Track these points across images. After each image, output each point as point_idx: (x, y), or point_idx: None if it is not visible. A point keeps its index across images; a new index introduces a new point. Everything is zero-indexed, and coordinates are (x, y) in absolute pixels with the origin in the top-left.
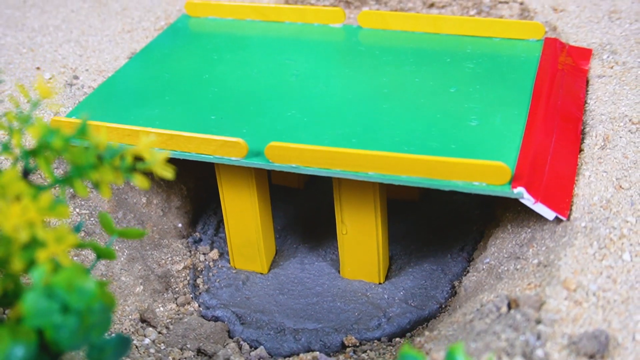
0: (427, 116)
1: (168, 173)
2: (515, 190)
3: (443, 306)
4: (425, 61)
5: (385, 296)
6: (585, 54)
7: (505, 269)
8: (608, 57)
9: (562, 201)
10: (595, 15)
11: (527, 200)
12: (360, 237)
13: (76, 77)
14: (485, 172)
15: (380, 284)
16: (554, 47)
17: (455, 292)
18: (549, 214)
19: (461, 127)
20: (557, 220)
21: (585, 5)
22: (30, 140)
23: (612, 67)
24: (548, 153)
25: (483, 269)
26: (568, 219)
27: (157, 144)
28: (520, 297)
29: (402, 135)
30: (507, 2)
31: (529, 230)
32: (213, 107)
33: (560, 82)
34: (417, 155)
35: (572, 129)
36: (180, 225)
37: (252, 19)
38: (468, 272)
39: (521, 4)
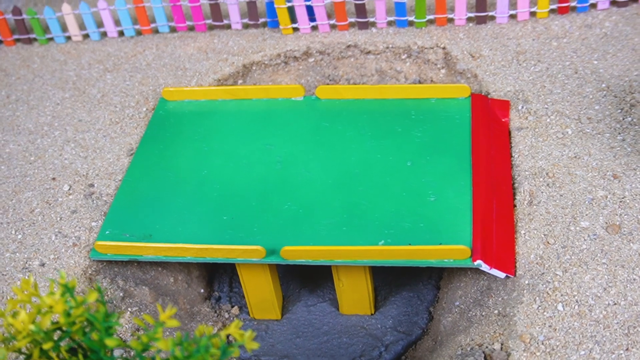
0: (396, 195)
1: (255, 345)
2: (476, 263)
3: (424, 330)
4: (382, 133)
5: (379, 326)
6: (504, 106)
7: (473, 314)
8: (522, 107)
9: (509, 261)
10: (505, 59)
11: (485, 267)
12: (354, 286)
13: (91, 185)
14: (451, 253)
15: (372, 315)
16: (480, 105)
17: (432, 317)
18: (500, 274)
19: (423, 204)
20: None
21: (497, 48)
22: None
23: (527, 118)
24: (492, 219)
25: (456, 312)
26: (515, 275)
27: (191, 253)
28: (493, 352)
29: (380, 218)
30: (432, 48)
31: (485, 278)
32: (221, 207)
33: (490, 142)
34: (399, 247)
35: (505, 189)
36: (202, 290)
37: (224, 98)
38: (439, 300)
39: (444, 48)
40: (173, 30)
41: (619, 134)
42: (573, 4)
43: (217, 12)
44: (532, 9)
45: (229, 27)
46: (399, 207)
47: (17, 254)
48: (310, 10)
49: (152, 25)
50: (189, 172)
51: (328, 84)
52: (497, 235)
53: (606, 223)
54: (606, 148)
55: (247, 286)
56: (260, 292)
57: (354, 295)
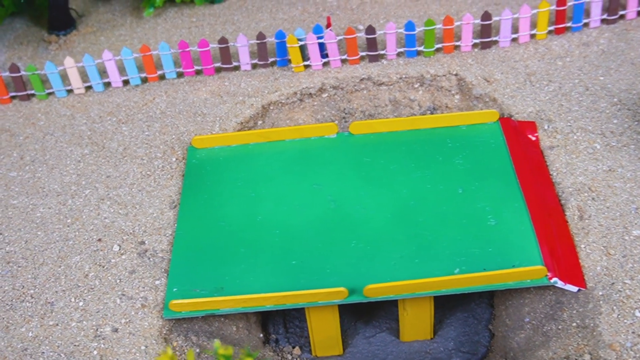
0: (456, 223)
1: None
2: (552, 280)
3: (488, 348)
4: (424, 163)
5: (442, 349)
6: (532, 127)
7: (549, 328)
8: (548, 126)
9: (579, 275)
10: (518, 81)
11: (560, 284)
12: (418, 314)
13: (142, 243)
14: (529, 275)
15: (432, 339)
16: (510, 128)
17: (493, 335)
18: (573, 288)
19: (485, 228)
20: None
21: (508, 71)
22: None
23: (555, 137)
24: (554, 237)
25: (528, 327)
26: (586, 288)
27: (272, 302)
28: None
29: (449, 247)
30: (444, 75)
31: (551, 293)
32: (287, 252)
33: (529, 162)
34: (478, 274)
35: (556, 207)
36: (261, 335)
37: (256, 142)
38: (496, 318)
39: (456, 75)
40: (180, 75)
41: None
42: (568, 24)
43: (226, 55)
44: (532, 32)
45: (237, 68)
46: (464, 234)
47: (84, 322)
48: (319, 47)
49: (159, 72)
50: (243, 219)
51: (345, 118)
52: (562, 251)
53: None
54: (635, 159)
55: (314, 326)
56: (326, 330)
57: (417, 322)
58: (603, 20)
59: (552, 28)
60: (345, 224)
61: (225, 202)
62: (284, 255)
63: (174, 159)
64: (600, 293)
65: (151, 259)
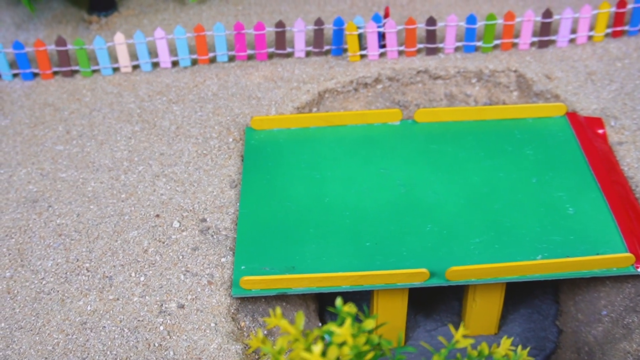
0: (534, 211)
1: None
2: (639, 269)
3: (556, 344)
4: (494, 152)
5: None
6: (598, 123)
7: (630, 320)
8: (614, 123)
9: None
10: (579, 79)
11: None
12: (487, 306)
13: (204, 220)
14: (616, 262)
15: (496, 334)
16: (578, 122)
17: (561, 331)
18: None
19: (564, 217)
20: None
21: (568, 70)
22: None
23: (623, 133)
24: (635, 227)
25: (606, 320)
26: None
27: (350, 282)
28: None
29: (529, 234)
30: (503, 72)
31: (630, 285)
32: (360, 233)
33: (601, 156)
34: (566, 259)
35: (632, 199)
36: (319, 324)
37: (318, 126)
38: (563, 314)
39: (515, 71)
40: (231, 59)
41: None
42: (626, 28)
43: (281, 40)
44: (590, 33)
45: (290, 55)
46: (543, 222)
47: (147, 297)
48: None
49: (210, 54)
50: (310, 200)
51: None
52: None
53: None
54: None
55: (381, 313)
56: (393, 318)
57: (484, 315)
58: None
59: (609, 31)
60: (418, 208)
61: (290, 183)
62: (356, 237)
63: (230, 139)
64: None
65: (215, 237)
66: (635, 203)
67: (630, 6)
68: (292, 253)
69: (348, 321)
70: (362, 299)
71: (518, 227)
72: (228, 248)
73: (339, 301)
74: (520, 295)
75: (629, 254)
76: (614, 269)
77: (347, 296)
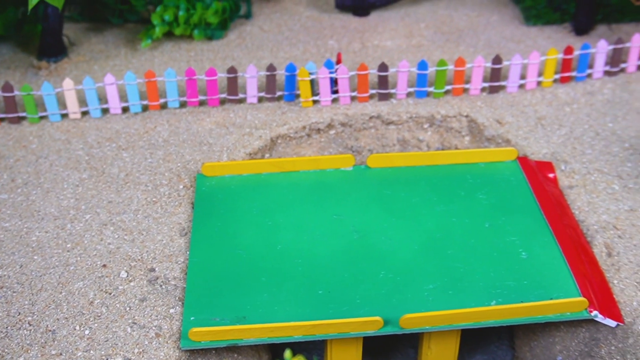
0: (487, 256)
1: None
2: (592, 314)
3: None
4: (447, 197)
5: None
6: (549, 168)
7: None
8: (565, 167)
9: (616, 309)
10: (529, 124)
11: (600, 318)
12: (442, 352)
13: (152, 270)
14: (569, 307)
15: None
16: (529, 166)
17: None
18: (612, 323)
19: (518, 262)
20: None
21: (518, 115)
22: None
23: (573, 177)
24: (588, 272)
25: None
26: (624, 323)
27: (303, 331)
28: None
29: (483, 279)
30: (455, 117)
31: (584, 330)
32: (313, 281)
33: (552, 200)
34: (520, 304)
35: (584, 243)
36: None
37: (270, 172)
38: None
39: (467, 116)
40: (182, 105)
41: None
42: (573, 74)
43: (233, 86)
44: (539, 79)
45: (242, 101)
46: (496, 267)
47: (92, 351)
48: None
49: (161, 100)
50: (262, 248)
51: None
52: (597, 286)
53: None
54: None
55: None
56: None
57: None
58: (605, 72)
59: (557, 77)
60: (371, 255)
61: (241, 230)
62: (309, 284)
63: (181, 186)
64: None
65: (163, 287)
66: (587, 247)
67: (577, 52)
68: (243, 302)
69: None
70: (315, 348)
71: (472, 273)
72: (177, 298)
73: (287, 353)
74: (475, 342)
75: (582, 299)
76: (568, 314)
77: (301, 346)
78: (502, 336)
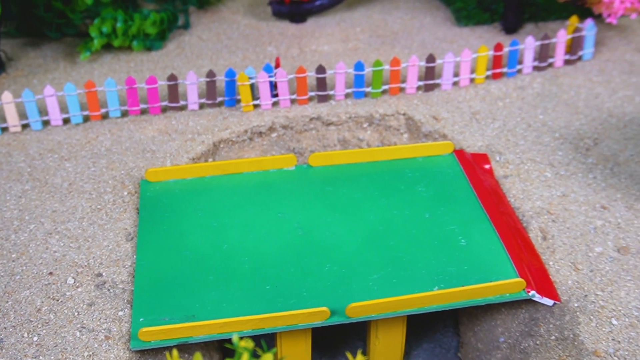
0: (428, 245)
1: None
2: (530, 294)
3: None
4: (387, 191)
5: None
6: (484, 159)
7: (527, 345)
8: (499, 158)
9: (552, 289)
10: (464, 119)
11: (537, 297)
12: (390, 342)
13: (99, 275)
14: (508, 288)
15: None
16: (465, 159)
17: None
18: (549, 302)
19: (458, 248)
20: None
21: (453, 111)
22: None
23: (508, 167)
24: (525, 255)
25: (504, 347)
26: (560, 301)
27: (251, 325)
28: None
29: (425, 267)
30: (393, 115)
31: (524, 311)
32: (260, 278)
33: (488, 189)
34: (461, 288)
35: (520, 228)
36: None
37: (213, 175)
38: (465, 345)
39: (404, 114)
40: (124, 114)
41: (589, 172)
42: (504, 70)
43: (174, 93)
44: (471, 76)
45: (183, 108)
46: (437, 255)
47: (41, 357)
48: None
49: (103, 110)
50: (208, 248)
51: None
52: (534, 267)
53: (616, 246)
54: (584, 185)
55: (285, 354)
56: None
57: (388, 352)
58: (534, 67)
59: (489, 73)
60: (316, 249)
61: (187, 232)
62: (256, 281)
63: (125, 193)
64: (576, 305)
65: (111, 291)
66: (523, 232)
67: (506, 49)
68: (191, 301)
69: (245, 356)
70: (266, 343)
71: (414, 261)
72: (126, 301)
73: (235, 337)
74: (422, 330)
75: (519, 279)
76: (507, 295)
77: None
78: (447, 323)
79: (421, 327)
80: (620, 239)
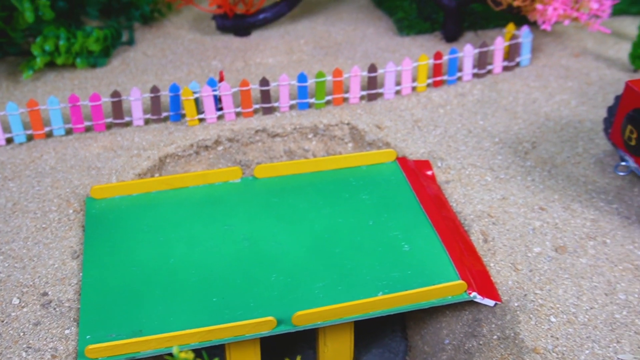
0: (372, 251)
1: None
2: (471, 295)
3: None
4: (332, 200)
5: None
6: (427, 166)
7: (470, 345)
8: (441, 164)
9: (493, 290)
10: (406, 127)
11: (479, 298)
12: (338, 349)
13: (45, 294)
14: (451, 290)
15: None
16: (407, 166)
17: None
18: (490, 302)
19: (401, 254)
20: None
21: (396, 119)
22: None
23: (449, 173)
24: (466, 257)
25: (449, 348)
26: (501, 301)
27: (198, 338)
28: None
29: (370, 273)
30: (337, 125)
31: (467, 312)
32: (207, 290)
33: (430, 195)
34: (403, 292)
35: (462, 232)
36: None
37: (159, 190)
38: (412, 349)
39: (348, 124)
40: (69, 132)
41: (528, 175)
42: (445, 78)
43: (118, 110)
44: (413, 85)
45: (128, 124)
46: (381, 261)
47: None
48: (213, 100)
49: (47, 129)
50: (155, 263)
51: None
52: (475, 270)
53: (554, 246)
54: (523, 188)
55: None
56: None
57: (337, 359)
58: (474, 74)
59: (430, 81)
60: (262, 260)
61: (133, 248)
62: (203, 293)
63: (71, 211)
64: (516, 304)
65: (57, 309)
66: (464, 235)
67: (445, 57)
68: (138, 317)
69: None
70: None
71: (359, 268)
72: (72, 319)
73: (175, 350)
74: (371, 336)
75: (461, 282)
76: (449, 297)
77: (201, 355)
78: (395, 328)
79: (370, 332)
80: (557, 239)
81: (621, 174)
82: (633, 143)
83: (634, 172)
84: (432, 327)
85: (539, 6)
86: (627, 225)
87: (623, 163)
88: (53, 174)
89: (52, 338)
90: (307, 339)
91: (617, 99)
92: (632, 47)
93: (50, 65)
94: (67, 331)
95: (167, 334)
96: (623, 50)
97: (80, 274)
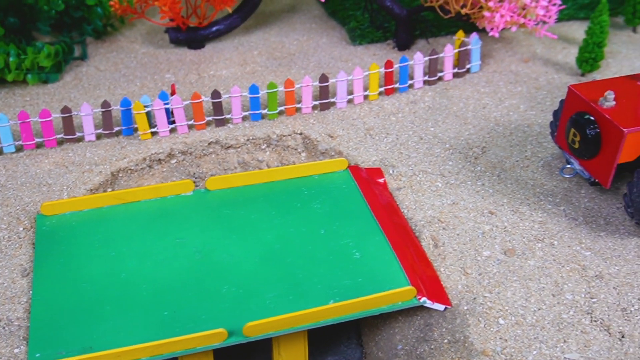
0: (324, 260)
1: None
2: (421, 300)
3: None
4: (284, 210)
5: None
6: (378, 173)
7: (422, 350)
8: (393, 171)
9: (443, 294)
10: (359, 135)
11: (429, 303)
12: (293, 358)
13: None
14: (400, 296)
15: None
16: (359, 174)
17: None
18: (441, 307)
19: (352, 262)
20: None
21: (348, 128)
22: None
23: (401, 179)
24: (416, 263)
25: (402, 354)
26: (452, 305)
27: (148, 353)
28: None
29: (321, 281)
30: (290, 135)
31: (419, 317)
32: (157, 304)
33: (382, 202)
34: (353, 300)
35: (413, 238)
36: None
37: (110, 205)
38: (367, 355)
39: (301, 134)
40: (19, 149)
41: (478, 180)
42: (396, 86)
43: (69, 125)
44: (365, 93)
45: (80, 139)
46: (333, 269)
47: None
48: (165, 113)
49: None
50: (105, 278)
51: (195, 182)
52: (425, 275)
53: (502, 249)
54: (473, 193)
55: None
56: None
57: None
58: (425, 82)
59: (382, 90)
60: (214, 272)
61: (84, 264)
62: (154, 307)
63: (21, 229)
64: (465, 308)
65: (6, 328)
66: (415, 241)
67: (396, 66)
68: (89, 333)
69: None
70: None
71: (310, 277)
72: (22, 338)
73: None
74: (326, 344)
75: (410, 287)
76: (400, 303)
77: None
78: (351, 335)
79: (325, 340)
80: (506, 242)
81: (567, 176)
82: (576, 146)
83: (579, 174)
84: (385, 334)
85: (486, 13)
86: (574, 227)
87: (568, 165)
88: (3, 192)
89: (0, 357)
90: (263, 349)
91: (562, 102)
92: (579, 51)
93: (1, 82)
94: (16, 350)
95: (117, 350)
96: (571, 55)
97: (30, 292)
